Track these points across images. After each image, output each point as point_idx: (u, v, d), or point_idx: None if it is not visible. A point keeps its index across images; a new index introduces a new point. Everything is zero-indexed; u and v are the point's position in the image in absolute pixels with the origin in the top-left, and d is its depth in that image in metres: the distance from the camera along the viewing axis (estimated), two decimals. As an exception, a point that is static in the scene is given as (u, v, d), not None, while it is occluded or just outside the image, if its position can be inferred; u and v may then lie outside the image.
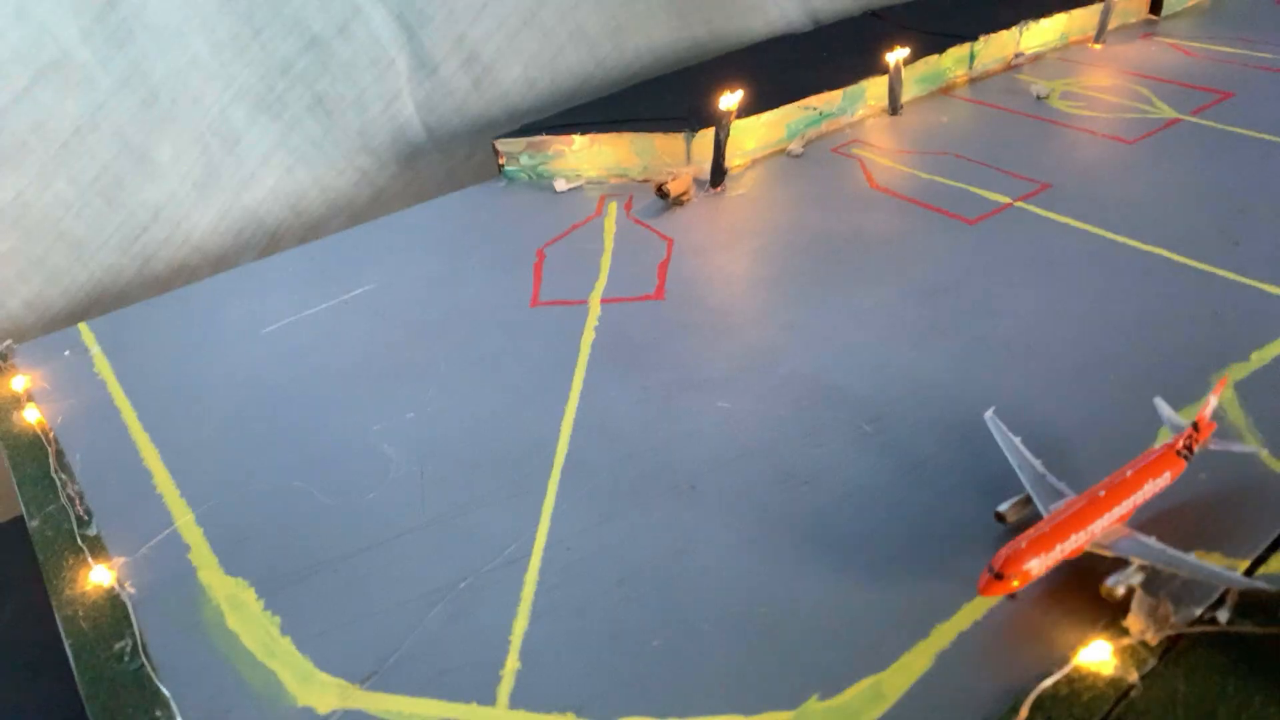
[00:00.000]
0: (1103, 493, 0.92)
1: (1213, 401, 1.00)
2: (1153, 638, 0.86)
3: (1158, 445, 0.99)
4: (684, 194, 1.76)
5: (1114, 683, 0.83)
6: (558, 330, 1.43)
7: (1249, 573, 0.93)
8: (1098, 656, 0.84)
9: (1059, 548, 0.88)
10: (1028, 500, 1.00)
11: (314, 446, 1.25)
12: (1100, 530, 0.91)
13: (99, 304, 1.85)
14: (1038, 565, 0.87)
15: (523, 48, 2.18)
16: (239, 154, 1.94)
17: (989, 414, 1.10)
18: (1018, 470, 1.02)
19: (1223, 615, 0.87)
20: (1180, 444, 0.98)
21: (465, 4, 2.07)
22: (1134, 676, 0.83)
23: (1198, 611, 0.88)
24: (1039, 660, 0.85)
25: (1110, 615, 0.89)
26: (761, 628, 0.93)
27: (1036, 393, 1.21)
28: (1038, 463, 1.03)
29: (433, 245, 1.73)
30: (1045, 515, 0.93)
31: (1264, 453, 1.07)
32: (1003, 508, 1.00)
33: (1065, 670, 0.83)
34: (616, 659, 0.92)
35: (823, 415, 1.21)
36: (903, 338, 1.34)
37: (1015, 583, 0.86)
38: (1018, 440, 1.06)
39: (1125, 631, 0.87)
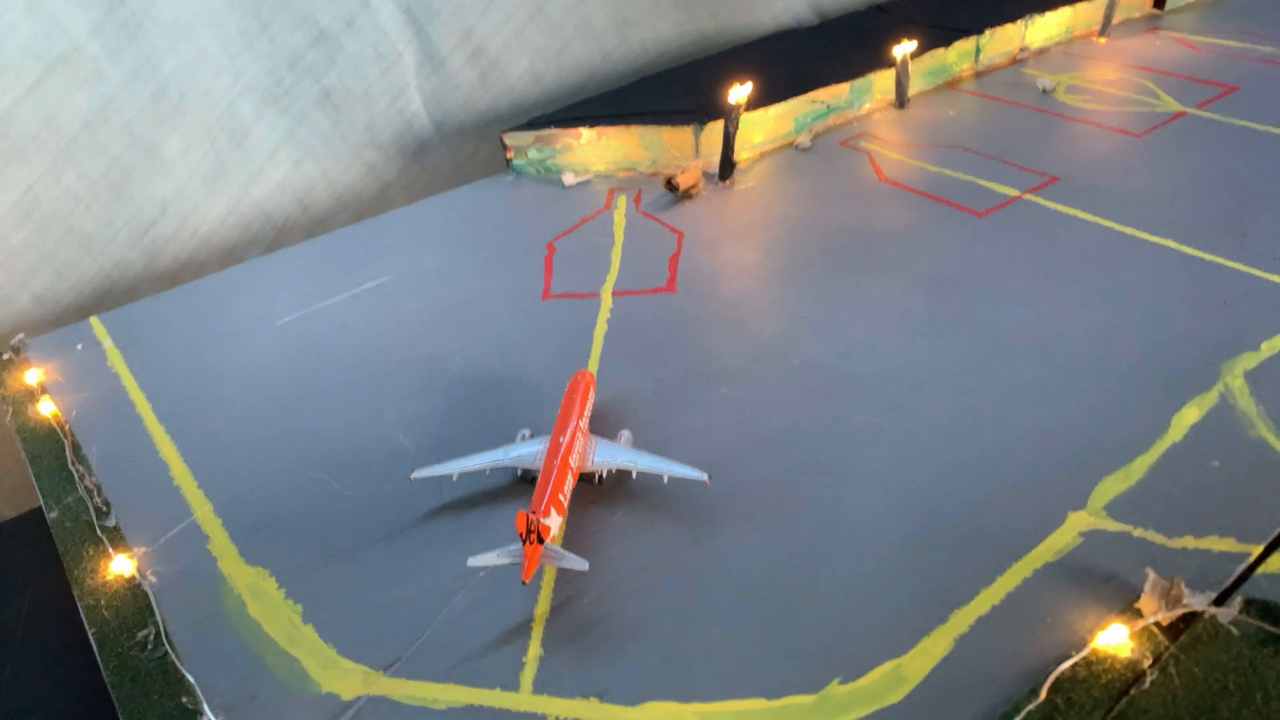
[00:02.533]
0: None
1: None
2: (1165, 618, 0.87)
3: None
4: (693, 188, 1.77)
5: (1131, 665, 0.84)
6: (570, 322, 1.44)
7: (1263, 557, 0.94)
8: (1115, 639, 0.85)
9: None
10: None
11: (329, 437, 1.25)
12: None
13: (108, 298, 1.85)
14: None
15: (529, 42, 2.18)
16: (247, 148, 1.94)
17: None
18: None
19: (1225, 615, 0.88)
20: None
21: (473, -2, 2.07)
22: (1149, 662, 0.84)
23: (1209, 597, 0.89)
24: (1057, 644, 0.87)
25: (1126, 599, 0.90)
26: (782, 613, 0.94)
27: (1045, 382, 1.22)
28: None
29: (442, 239, 1.74)
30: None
31: (1273, 438, 1.09)
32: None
33: (1083, 653, 0.84)
34: (638, 645, 0.92)
35: (836, 405, 1.22)
36: (913, 328, 1.35)
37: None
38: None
39: (1139, 614, 0.88)
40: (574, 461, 1.06)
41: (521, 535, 0.94)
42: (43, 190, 1.74)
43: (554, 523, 0.98)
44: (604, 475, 1.11)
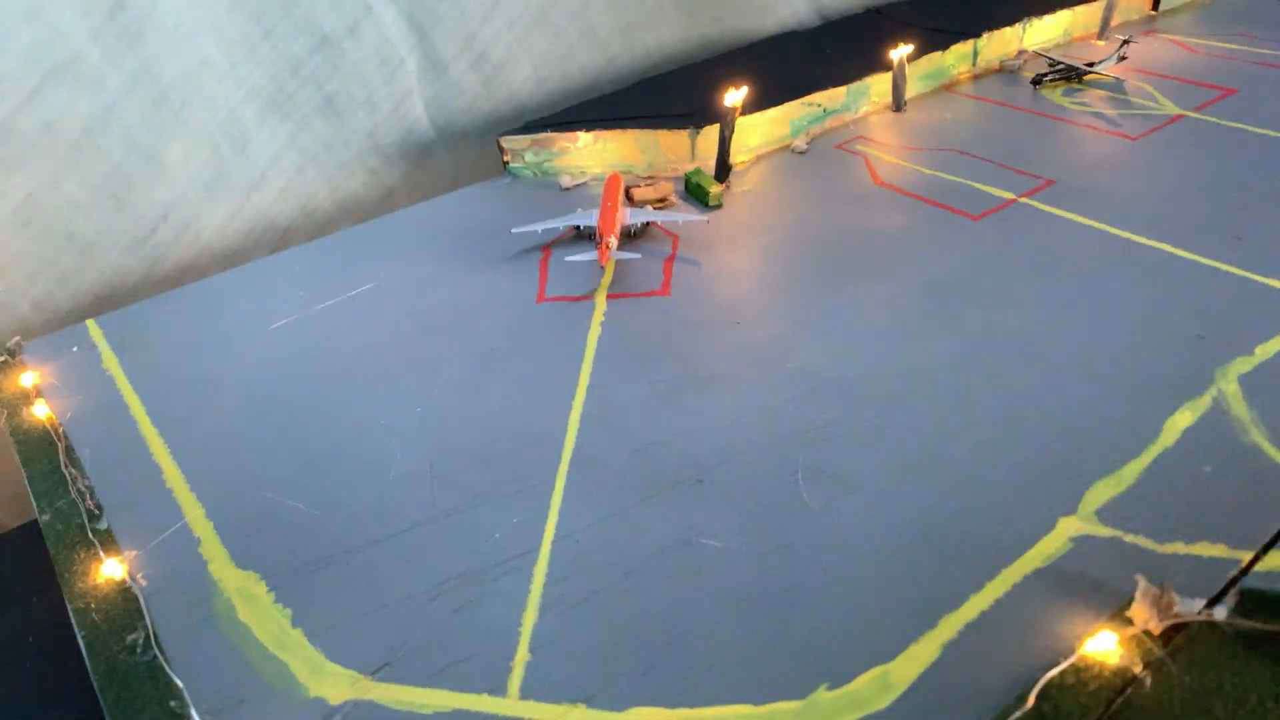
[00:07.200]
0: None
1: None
2: (1156, 627, 0.86)
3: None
4: (662, 201, 1.76)
5: (1119, 672, 0.83)
6: (564, 326, 1.44)
7: (1257, 559, 0.92)
8: (1103, 646, 0.85)
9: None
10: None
11: (323, 441, 1.26)
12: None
13: (108, 305, 1.86)
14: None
15: (533, 47, 2.18)
16: (249, 155, 1.95)
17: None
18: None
19: (1220, 612, 0.87)
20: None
21: (476, 4, 2.07)
22: (1139, 667, 0.83)
23: (1200, 603, 0.88)
24: (1045, 650, 0.86)
25: (1116, 605, 0.89)
26: (770, 618, 0.94)
27: (1037, 386, 1.22)
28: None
29: (438, 242, 1.74)
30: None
31: (1267, 444, 1.08)
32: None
33: (1071, 660, 0.84)
34: (626, 650, 0.92)
35: (829, 409, 1.21)
36: (908, 333, 1.35)
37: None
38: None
39: (1129, 621, 0.87)
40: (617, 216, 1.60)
41: (600, 247, 1.51)
42: (43, 197, 1.75)
43: (613, 243, 1.52)
44: (635, 228, 1.66)
